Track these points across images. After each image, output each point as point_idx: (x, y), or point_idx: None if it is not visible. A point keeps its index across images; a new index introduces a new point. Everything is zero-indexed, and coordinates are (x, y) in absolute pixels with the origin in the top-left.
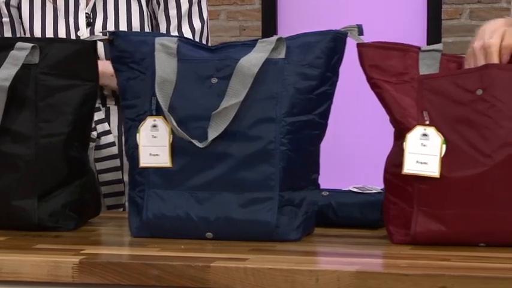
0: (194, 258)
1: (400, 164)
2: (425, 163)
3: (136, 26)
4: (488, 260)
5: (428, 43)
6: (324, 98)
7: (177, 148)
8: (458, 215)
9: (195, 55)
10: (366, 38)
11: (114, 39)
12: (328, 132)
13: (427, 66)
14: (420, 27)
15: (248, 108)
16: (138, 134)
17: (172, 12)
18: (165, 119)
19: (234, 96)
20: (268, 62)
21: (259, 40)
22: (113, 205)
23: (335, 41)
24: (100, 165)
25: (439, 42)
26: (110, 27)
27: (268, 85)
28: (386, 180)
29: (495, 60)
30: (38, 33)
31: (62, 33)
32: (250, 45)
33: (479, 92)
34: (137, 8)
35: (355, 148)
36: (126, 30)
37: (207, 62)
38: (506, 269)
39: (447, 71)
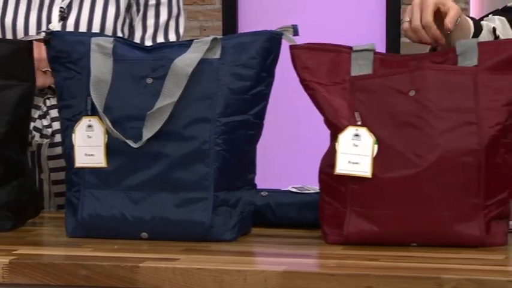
0: (124, 259)
1: (333, 165)
2: (357, 163)
3: (109, 28)
4: (417, 260)
5: (388, 43)
6: (259, 98)
7: (112, 148)
8: (391, 215)
9: (130, 55)
10: (325, 39)
11: (50, 39)
12: (276, 132)
13: (360, 66)
14: (379, 27)
15: (183, 108)
16: (73, 134)
17: (150, 21)
18: (100, 119)
19: (169, 96)
20: (203, 62)
21: (195, 40)
22: (63, 205)
23: (270, 42)
24: (52, 164)
25: (398, 42)
26: (83, 24)
27: (203, 85)
28: (321, 180)
29: (429, 14)
30: (8, 24)
31: (32, 25)
32: (186, 45)
33: (412, 93)
34: (114, 10)
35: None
36: (99, 30)
37: (142, 62)
38: (431, 269)
39: (380, 71)
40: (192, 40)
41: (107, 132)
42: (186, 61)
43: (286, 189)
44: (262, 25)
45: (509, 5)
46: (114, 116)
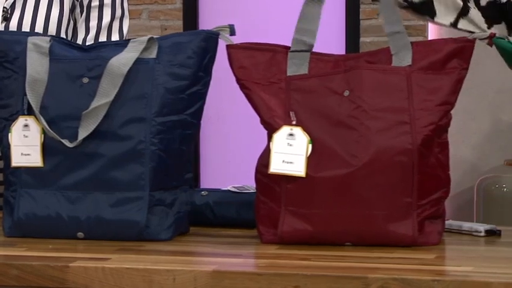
0: (56, 258)
1: (267, 164)
2: (291, 162)
3: (53, 29)
4: (347, 260)
5: (347, 43)
6: (196, 98)
7: (48, 148)
8: (324, 214)
9: (67, 55)
10: (286, 38)
11: None
12: (234, 132)
13: (296, 66)
14: (338, 27)
15: (119, 108)
16: (10, 134)
17: (93, 23)
18: (37, 118)
19: (104, 96)
20: (139, 62)
21: (131, 40)
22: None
23: (206, 41)
24: None
25: (357, 42)
26: (26, 26)
27: (139, 85)
28: (257, 180)
29: None
30: None
31: None
32: (122, 45)
33: (346, 93)
34: (57, 11)
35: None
36: (42, 31)
37: (78, 62)
38: (360, 268)
39: (316, 71)
40: (129, 39)
41: (43, 131)
42: (122, 61)
43: (226, 188)
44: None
45: None
46: (50, 116)
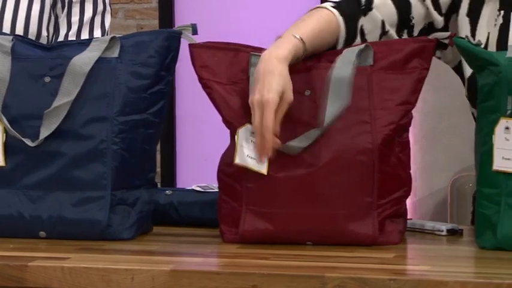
0: (15, 258)
1: (231, 163)
2: (254, 159)
3: (34, 26)
4: (306, 259)
5: None
6: (159, 97)
7: (10, 147)
8: (285, 214)
9: (29, 54)
10: (261, 37)
11: None
12: (203, 131)
13: (256, 66)
14: None
15: (80, 107)
16: None
17: (75, 18)
18: None
19: (66, 95)
20: (101, 61)
21: (94, 39)
22: None
23: (169, 40)
24: None
25: None
26: (7, 23)
27: (101, 84)
28: (219, 179)
29: (270, 116)
30: None
31: None
32: (85, 44)
33: (307, 92)
34: (38, 8)
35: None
36: (23, 28)
37: (40, 61)
38: (318, 267)
39: None
40: (91, 39)
41: (5, 131)
42: (84, 60)
43: (190, 188)
44: (198, 23)
45: None
46: (12, 115)
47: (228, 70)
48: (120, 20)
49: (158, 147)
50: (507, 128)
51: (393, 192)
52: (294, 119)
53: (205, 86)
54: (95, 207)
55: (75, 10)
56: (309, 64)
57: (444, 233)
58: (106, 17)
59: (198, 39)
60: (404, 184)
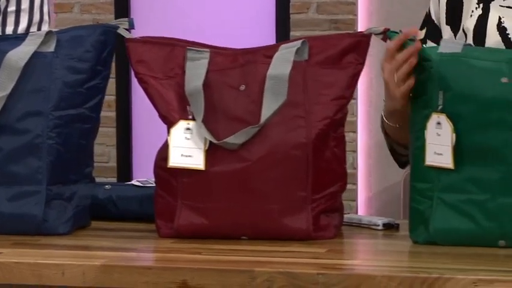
0: None
1: (167, 158)
2: (190, 156)
3: None
4: (239, 253)
5: (277, 37)
6: (95, 91)
7: None
8: (220, 208)
9: None
10: (216, 32)
11: None
12: (159, 127)
13: (193, 61)
14: (269, 21)
15: (16, 101)
16: None
17: (9, 28)
18: None
19: (1, 89)
20: (37, 56)
21: (30, 33)
22: None
23: (105, 35)
24: None
25: (288, 36)
26: None
27: (36, 79)
28: (155, 174)
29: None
30: None
31: None
32: (21, 38)
33: (242, 87)
34: None
35: None
36: None
37: None
38: (248, 262)
39: (214, 65)
40: (28, 33)
41: None
42: (19, 54)
43: (129, 182)
44: (154, 18)
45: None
46: None
47: (164, 65)
48: (76, 14)
49: (114, 142)
50: (439, 123)
51: (328, 187)
52: (229, 115)
53: (141, 81)
54: (30, 202)
55: (10, 20)
56: (244, 59)
57: (380, 227)
58: (43, 27)
59: (152, 33)
60: (340, 179)
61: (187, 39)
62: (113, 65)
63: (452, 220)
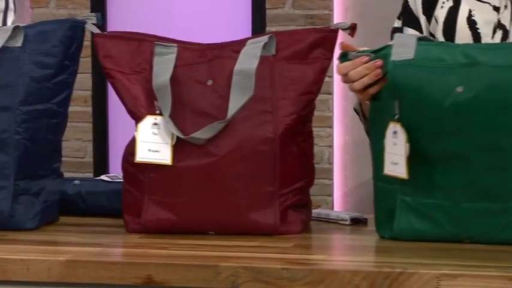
0: None
1: (134, 153)
2: (157, 151)
3: None
4: (206, 248)
5: (253, 32)
6: (63, 86)
7: None
8: (187, 203)
9: None
10: (191, 27)
11: None
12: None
13: (161, 56)
14: (245, 16)
15: None
16: None
17: None
18: None
19: None
20: (4, 51)
21: None
22: None
23: (73, 30)
24: None
25: (264, 31)
26: None
27: (3, 74)
28: (123, 169)
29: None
30: None
31: None
32: None
33: (210, 82)
34: None
35: None
36: None
37: None
38: (213, 257)
39: (182, 61)
40: None
41: None
42: None
43: (98, 177)
44: (130, 13)
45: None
46: None
47: (132, 60)
48: (52, 9)
49: (91, 137)
50: (395, 132)
51: (296, 182)
52: (197, 110)
53: (109, 76)
54: None
55: None
56: (212, 54)
57: (348, 222)
58: (8, 15)
59: (129, 28)
60: (307, 174)
61: (163, 33)
62: (89, 60)
63: (416, 223)
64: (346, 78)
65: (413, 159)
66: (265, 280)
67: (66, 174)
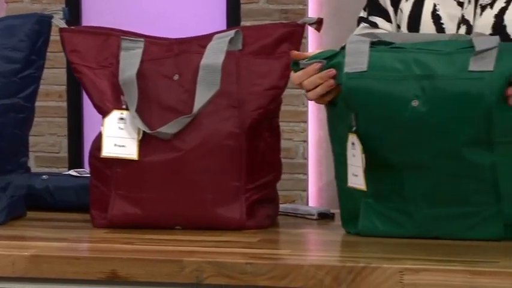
0: None
1: (100, 148)
2: (123, 146)
3: None
4: (171, 243)
5: (228, 27)
6: (29, 81)
7: None
8: (154, 198)
9: None
10: (166, 22)
11: None
12: None
13: (128, 50)
14: (219, 11)
15: None
16: None
17: None
18: None
19: None
20: None
21: None
22: None
23: (39, 24)
24: None
25: (238, 25)
26: None
27: None
28: (90, 163)
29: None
30: None
31: None
32: None
33: (176, 77)
34: None
35: None
36: None
37: None
38: (177, 252)
39: (149, 55)
40: None
41: None
42: None
43: (67, 172)
44: (105, 8)
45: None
46: None
47: (98, 54)
48: (27, 4)
49: (65, 132)
50: (353, 143)
51: (262, 177)
52: (163, 104)
53: (76, 71)
54: None
55: None
56: (179, 49)
57: (315, 217)
58: None
59: (103, 23)
60: (274, 169)
61: (138, 28)
62: (64, 55)
63: (380, 225)
64: (301, 87)
65: (374, 167)
66: (229, 275)
67: (41, 169)
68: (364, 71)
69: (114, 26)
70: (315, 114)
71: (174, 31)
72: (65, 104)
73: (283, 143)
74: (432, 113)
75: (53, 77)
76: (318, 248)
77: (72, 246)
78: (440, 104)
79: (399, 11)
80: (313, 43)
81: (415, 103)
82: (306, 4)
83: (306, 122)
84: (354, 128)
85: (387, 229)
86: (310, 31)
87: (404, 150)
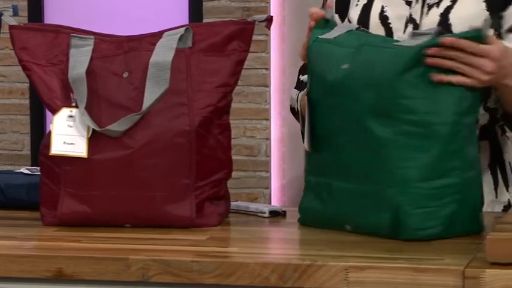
0: None
1: (49, 145)
2: (72, 144)
3: None
4: (119, 241)
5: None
6: None
7: None
8: (103, 196)
9: None
10: (128, 19)
11: None
12: None
13: (77, 48)
14: (181, 8)
15: None
16: None
17: None
18: None
19: None
20: None
21: None
22: None
23: None
24: None
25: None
26: None
27: None
28: (40, 161)
29: None
30: None
31: None
32: None
33: (125, 74)
34: None
35: None
36: None
37: None
38: (124, 250)
39: (99, 53)
40: None
41: None
42: None
43: (18, 170)
44: (67, 5)
45: None
46: None
47: (48, 52)
48: None
49: (28, 130)
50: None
51: (212, 175)
52: (112, 102)
53: (25, 68)
54: None
55: None
56: (129, 46)
57: (267, 214)
58: None
59: (66, 21)
60: (224, 166)
61: (100, 25)
62: None
63: (311, 201)
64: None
65: (316, 139)
66: (175, 273)
67: (3, 167)
68: (330, 38)
69: (78, 23)
70: (277, 112)
71: (135, 28)
72: (27, 102)
73: (246, 141)
74: (354, 76)
75: (16, 74)
76: (265, 246)
77: (19, 244)
78: (362, 68)
79: (346, 21)
80: (276, 40)
81: (345, 66)
82: (268, 2)
83: (268, 119)
84: (308, 90)
85: (315, 205)
86: (273, 28)
87: (328, 116)
